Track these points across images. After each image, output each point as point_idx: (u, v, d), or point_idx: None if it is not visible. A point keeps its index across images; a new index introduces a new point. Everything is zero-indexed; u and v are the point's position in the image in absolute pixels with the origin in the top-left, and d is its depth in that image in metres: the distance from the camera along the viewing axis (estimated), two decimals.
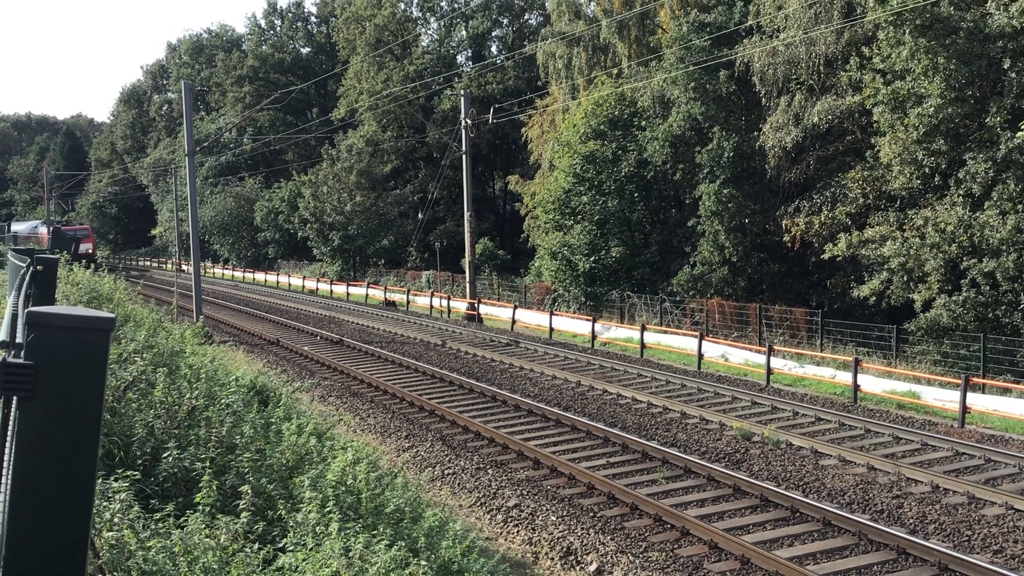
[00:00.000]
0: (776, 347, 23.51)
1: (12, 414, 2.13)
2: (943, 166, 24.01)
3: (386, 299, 44.38)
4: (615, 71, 38.74)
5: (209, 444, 8.58)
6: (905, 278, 24.07)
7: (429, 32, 66.85)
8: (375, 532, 7.51)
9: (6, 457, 2.22)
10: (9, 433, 2.17)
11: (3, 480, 2.18)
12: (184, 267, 66.98)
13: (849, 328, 25.98)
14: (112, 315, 1.97)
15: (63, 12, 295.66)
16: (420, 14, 67.23)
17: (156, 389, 9.45)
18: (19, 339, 2.64)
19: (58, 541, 1.94)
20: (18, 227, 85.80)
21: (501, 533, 12.23)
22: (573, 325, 31.59)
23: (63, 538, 1.94)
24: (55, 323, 1.92)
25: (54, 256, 7.87)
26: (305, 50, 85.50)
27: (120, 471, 6.85)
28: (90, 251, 72.43)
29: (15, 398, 2.02)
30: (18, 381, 1.90)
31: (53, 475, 1.93)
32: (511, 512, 12.71)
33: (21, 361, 1.92)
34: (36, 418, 1.92)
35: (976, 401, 17.92)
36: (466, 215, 37.87)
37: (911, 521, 11.92)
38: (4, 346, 3.32)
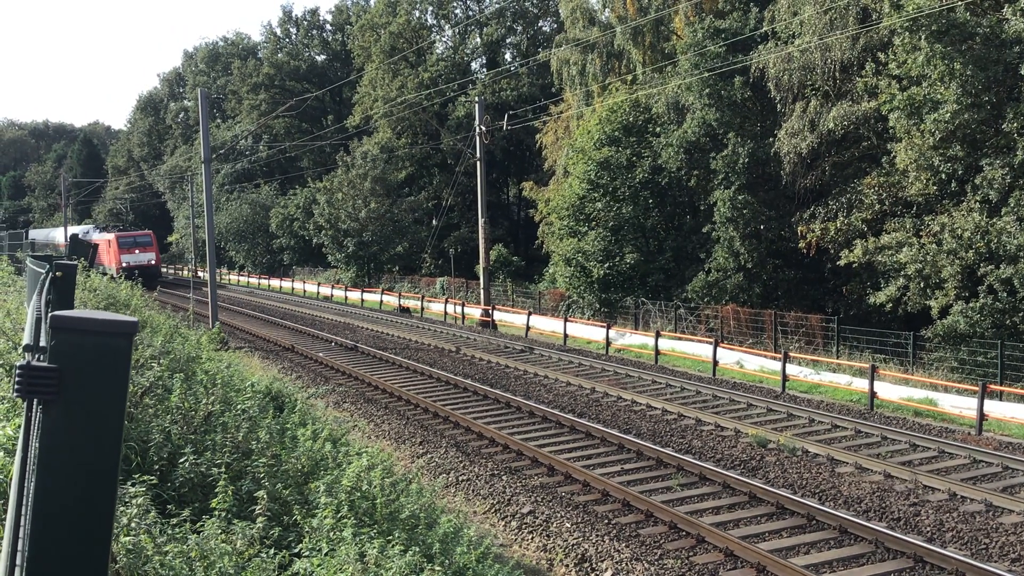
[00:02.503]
0: (792, 354, 23.42)
1: (35, 417, 2.15)
2: (960, 172, 23.88)
3: (400, 305, 44.46)
4: (629, 77, 38.74)
5: (225, 449, 8.62)
6: (922, 284, 23.93)
7: (444, 39, 67.04)
8: (390, 538, 7.53)
9: (29, 460, 2.24)
10: (33, 436, 2.19)
11: (27, 482, 2.20)
12: (200, 273, 66.99)
13: (865, 335, 25.84)
14: (135, 319, 1.99)
15: (80, 21, 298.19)
16: (435, 21, 67.43)
17: (173, 395, 9.51)
18: (43, 343, 2.67)
19: (80, 543, 1.96)
20: (59, 232, 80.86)
21: (516, 540, 12.23)
22: (587, 331, 31.56)
23: (85, 540, 1.96)
24: (79, 327, 1.94)
25: (72, 262, 7.93)
26: (320, 58, 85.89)
27: (137, 476, 6.89)
28: (152, 262, 62.92)
29: (38, 401, 2.04)
30: (42, 384, 1.92)
31: (76, 478, 1.95)
32: (525, 519, 12.71)
33: (45, 364, 1.94)
34: (59, 421, 1.94)
35: (993, 408, 17.79)
36: (480, 221, 37.91)
37: (928, 529, 11.84)
38: (28, 349, 3.35)
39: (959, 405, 18.56)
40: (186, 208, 78.03)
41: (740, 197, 30.08)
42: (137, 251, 62.09)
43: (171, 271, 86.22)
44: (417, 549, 7.42)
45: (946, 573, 10.16)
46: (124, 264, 59.41)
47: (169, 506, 7.22)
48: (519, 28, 64.45)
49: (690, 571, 10.59)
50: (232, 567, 6.05)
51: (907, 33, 23.47)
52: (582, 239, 35.69)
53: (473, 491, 14.14)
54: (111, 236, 63.98)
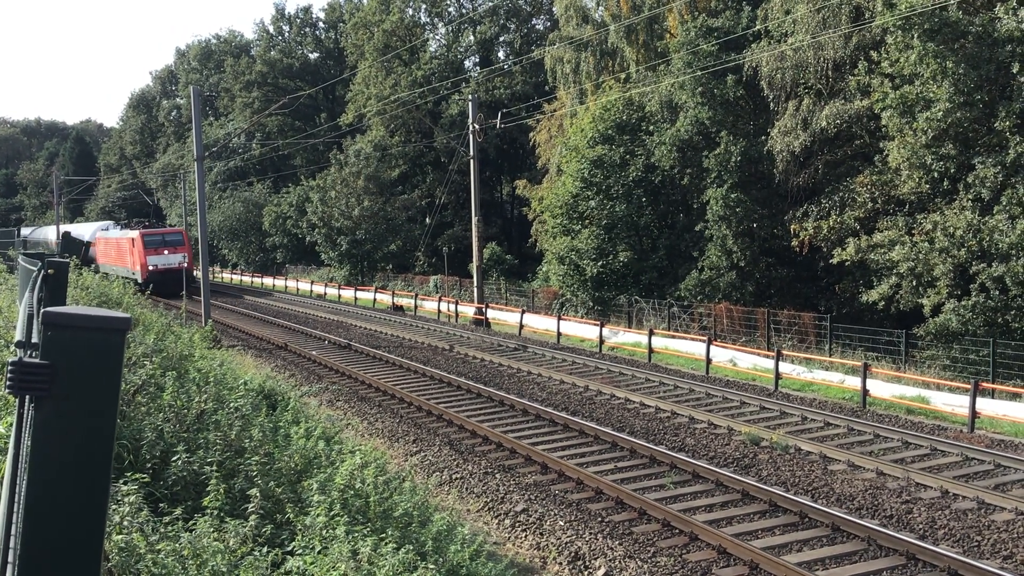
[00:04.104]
0: (784, 352, 23.45)
1: (27, 414, 2.14)
2: (952, 170, 23.95)
3: (394, 303, 44.42)
4: (623, 76, 38.75)
5: (217, 448, 8.60)
6: (914, 283, 23.99)
7: (437, 37, 66.98)
8: (383, 536, 7.52)
9: (21, 457, 2.23)
10: (24, 433, 2.18)
11: (18, 480, 2.19)
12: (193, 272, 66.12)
13: (858, 333, 25.91)
14: (128, 315, 1.98)
15: (72, 18, 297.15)
16: (428, 19, 67.35)
17: (165, 393, 9.49)
18: (35, 339, 2.66)
19: (73, 541, 1.95)
20: (82, 230, 69.88)
21: (509, 538, 12.23)
22: (581, 330, 31.57)
23: (78, 538, 1.95)
24: (71, 323, 1.93)
25: (65, 260, 7.90)
26: (313, 55, 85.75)
27: (129, 474, 6.88)
28: (184, 264, 51.57)
29: (30, 398, 2.03)
30: (34, 380, 1.91)
31: (68, 475, 1.94)
32: (519, 517, 12.71)
33: (37, 361, 1.93)
34: (51, 418, 1.93)
35: (985, 406, 17.85)
36: (474, 220, 37.89)
37: (920, 526, 11.88)
38: (20, 346, 3.34)
39: (951, 403, 18.62)
40: (179, 206, 77.79)
41: (733, 195, 30.11)
42: (166, 251, 52.49)
43: None
44: (410, 547, 7.42)
45: (938, 570, 10.19)
46: (151, 267, 51.56)
47: (161, 504, 7.21)
48: (512, 26, 64.38)
49: (683, 569, 10.60)
50: (225, 565, 6.04)
51: (900, 32, 23.53)
52: (575, 237, 35.69)
53: (466, 489, 14.14)
54: (135, 234, 54.41)
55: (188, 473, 7.89)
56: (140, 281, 48.19)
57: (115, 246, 58.83)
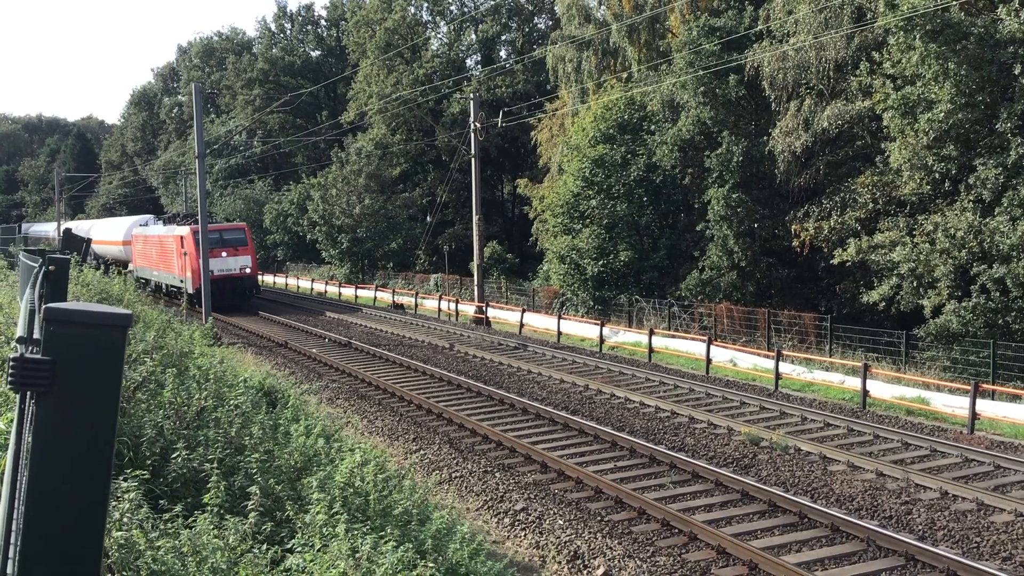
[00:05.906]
0: (785, 352, 23.45)
1: (28, 410, 2.15)
2: (953, 171, 23.94)
3: (394, 302, 44.41)
4: (624, 75, 38.75)
5: (217, 445, 8.61)
6: (915, 283, 23.99)
7: (439, 36, 66.96)
8: (383, 534, 7.52)
9: (22, 453, 2.23)
10: (26, 429, 2.18)
11: (19, 476, 2.19)
12: None
13: (858, 333, 25.90)
14: (129, 312, 1.99)
15: (73, 14, 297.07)
16: (430, 18, 67.36)
17: (165, 390, 9.49)
18: (36, 335, 2.66)
19: (74, 537, 1.95)
20: (116, 225, 61.04)
21: (508, 536, 12.23)
22: (581, 329, 31.57)
23: (79, 534, 1.96)
24: (73, 319, 1.93)
25: (65, 256, 7.91)
26: (315, 53, 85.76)
27: (129, 471, 6.88)
28: (247, 269, 41.19)
29: (31, 394, 2.03)
30: (35, 376, 1.91)
31: (69, 471, 1.95)
32: (518, 515, 12.71)
33: (39, 356, 1.94)
34: (52, 414, 1.94)
35: (986, 407, 17.84)
36: (475, 218, 37.89)
37: (920, 527, 11.88)
38: (22, 342, 3.34)
39: (951, 404, 18.61)
40: (179, 203, 77.76)
41: (734, 195, 30.10)
42: (224, 253, 39.87)
43: None
44: (410, 545, 7.42)
45: (938, 571, 10.19)
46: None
47: (161, 501, 7.21)
48: (514, 25, 64.38)
49: (682, 568, 10.60)
50: (224, 562, 6.04)
51: (901, 32, 23.51)
52: (576, 236, 35.68)
53: (466, 488, 14.15)
54: (184, 230, 41.06)
55: (188, 470, 7.90)
56: (191, 291, 38.90)
57: (157, 246, 46.61)
